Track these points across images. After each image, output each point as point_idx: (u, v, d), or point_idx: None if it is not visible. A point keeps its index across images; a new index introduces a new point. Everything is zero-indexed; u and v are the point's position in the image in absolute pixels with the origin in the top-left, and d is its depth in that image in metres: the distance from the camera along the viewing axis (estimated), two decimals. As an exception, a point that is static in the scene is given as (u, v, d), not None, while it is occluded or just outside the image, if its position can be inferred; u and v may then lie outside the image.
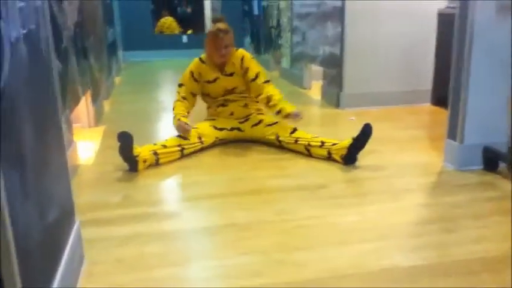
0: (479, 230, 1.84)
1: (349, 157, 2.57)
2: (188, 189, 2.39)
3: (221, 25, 2.89)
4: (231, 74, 2.95)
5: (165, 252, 1.71)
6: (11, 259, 0.96)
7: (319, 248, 1.73)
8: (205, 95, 3.06)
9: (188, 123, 2.80)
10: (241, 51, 2.98)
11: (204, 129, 2.87)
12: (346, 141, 2.58)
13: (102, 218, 2.00)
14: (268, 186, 2.34)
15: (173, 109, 2.92)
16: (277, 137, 2.85)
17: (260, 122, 2.95)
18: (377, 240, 1.78)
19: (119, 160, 2.53)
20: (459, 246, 1.72)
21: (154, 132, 3.56)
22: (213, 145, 2.90)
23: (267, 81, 2.95)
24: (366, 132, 2.53)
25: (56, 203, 1.39)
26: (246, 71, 2.93)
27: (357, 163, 2.59)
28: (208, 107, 3.12)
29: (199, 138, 2.81)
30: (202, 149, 2.84)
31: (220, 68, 2.95)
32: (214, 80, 2.95)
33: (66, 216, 1.52)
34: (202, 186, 2.36)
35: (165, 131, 3.63)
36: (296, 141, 2.77)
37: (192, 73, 2.98)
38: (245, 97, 3.02)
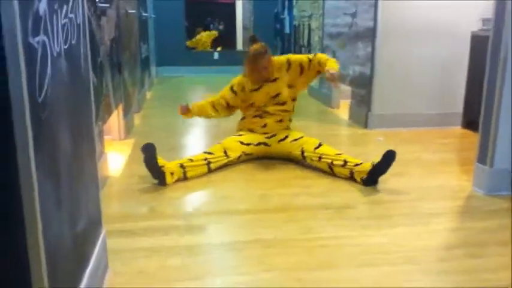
0: (506, 257, 1.80)
1: (369, 180, 2.56)
2: (213, 203, 2.41)
3: (257, 47, 2.96)
4: (275, 80, 3.00)
5: (187, 266, 1.73)
6: (41, 267, 0.99)
7: (342, 269, 1.72)
8: (249, 106, 3.09)
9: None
10: (283, 58, 3.05)
11: (230, 144, 2.91)
12: (368, 164, 2.57)
13: (128, 229, 2.04)
14: (294, 204, 2.34)
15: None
16: (302, 152, 2.86)
17: (286, 137, 2.98)
18: (403, 263, 1.76)
19: (146, 173, 2.58)
20: (486, 273, 1.69)
21: (182, 146, 3.62)
22: (239, 160, 2.93)
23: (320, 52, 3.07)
24: (388, 158, 2.50)
25: (85, 213, 1.43)
26: (301, 65, 3.00)
27: (384, 185, 2.57)
28: (243, 118, 3.15)
29: (225, 152, 2.84)
30: (228, 164, 2.87)
31: (265, 78, 3.01)
32: (260, 88, 3.00)
33: (94, 226, 1.56)
34: (228, 202, 2.38)
35: (194, 145, 3.69)
36: (320, 158, 2.77)
37: (232, 89, 3.06)
38: (282, 112, 3.04)
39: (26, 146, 0.94)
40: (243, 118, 3.16)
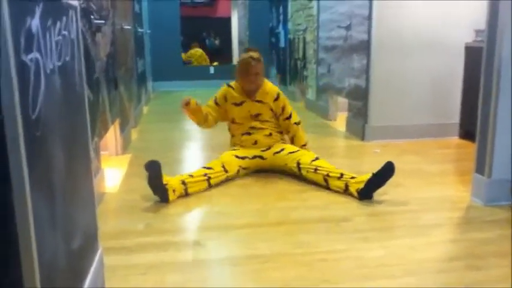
0: (506, 269, 1.78)
1: (366, 192, 2.52)
2: (211, 219, 2.40)
3: (254, 54, 3.00)
4: (259, 101, 3.03)
5: (185, 282, 1.71)
6: (36, 286, 0.98)
7: (342, 283, 1.70)
8: (231, 122, 3.11)
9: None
10: (275, 88, 3.10)
11: (227, 158, 2.90)
12: (366, 175, 2.56)
13: (125, 245, 2.02)
14: (291, 218, 2.33)
15: None
16: (298, 164, 2.85)
17: (282, 150, 2.98)
18: (403, 276, 1.74)
19: (143, 188, 2.56)
20: (488, 285, 1.67)
21: (179, 161, 3.61)
22: (237, 175, 2.92)
23: (297, 123, 3.13)
24: (387, 170, 2.48)
25: (81, 230, 1.42)
26: (283, 108, 3.08)
27: (382, 197, 2.56)
28: (232, 136, 3.16)
29: (223, 167, 2.83)
30: (227, 179, 2.86)
31: (249, 94, 3.03)
32: (241, 103, 3.02)
33: (90, 243, 1.54)
34: (225, 217, 2.36)
35: (191, 160, 3.68)
36: (316, 169, 2.76)
37: (215, 100, 3.11)
38: (268, 126, 3.06)
39: (20, 165, 0.93)
40: (232, 136, 3.17)
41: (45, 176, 1.09)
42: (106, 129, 3.02)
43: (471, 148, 2.80)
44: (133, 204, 2.53)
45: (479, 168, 2.49)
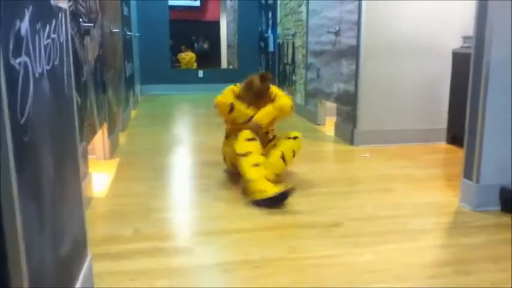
0: (497, 274, 1.80)
1: (257, 202, 2.53)
2: (201, 224, 2.38)
3: (267, 85, 2.93)
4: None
5: (175, 288, 1.69)
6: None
7: (332, 288, 1.70)
8: (231, 122, 3.03)
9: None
10: (275, 88, 3.04)
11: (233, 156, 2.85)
12: (272, 190, 2.51)
13: (113, 252, 1.99)
14: (282, 223, 2.32)
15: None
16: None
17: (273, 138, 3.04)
18: (393, 281, 1.74)
19: (131, 193, 2.54)
20: (477, 290, 1.68)
21: (168, 165, 3.58)
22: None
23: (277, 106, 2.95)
24: (285, 196, 2.51)
25: (69, 235, 1.39)
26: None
27: (371, 202, 2.57)
28: (227, 137, 3.11)
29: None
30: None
31: (258, 106, 2.92)
32: (249, 120, 2.88)
33: (79, 249, 1.52)
34: (214, 222, 2.35)
35: (180, 164, 3.66)
36: (282, 156, 2.81)
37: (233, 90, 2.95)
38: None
39: (8, 170, 0.91)
40: (227, 137, 3.13)
41: (33, 181, 1.07)
42: (94, 133, 2.99)
43: (458, 153, 2.82)
44: (121, 209, 2.50)
45: (468, 174, 2.51)
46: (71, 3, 2.28)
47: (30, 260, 0.99)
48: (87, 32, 2.78)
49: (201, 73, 8.84)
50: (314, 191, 2.76)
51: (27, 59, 1.01)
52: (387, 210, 2.49)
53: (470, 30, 2.81)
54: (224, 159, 3.14)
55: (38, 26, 1.12)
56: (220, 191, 2.80)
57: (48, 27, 1.20)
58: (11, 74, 0.92)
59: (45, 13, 1.21)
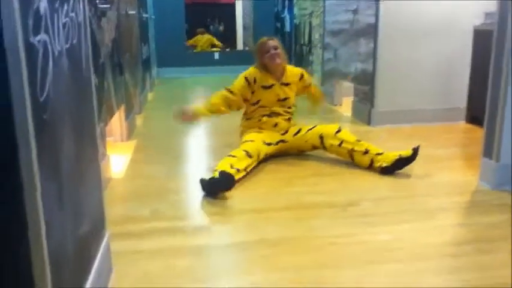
0: (517, 252, 1.78)
1: (389, 170, 2.65)
2: (219, 204, 2.39)
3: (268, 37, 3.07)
4: (287, 84, 3.03)
5: (193, 267, 1.72)
6: (44, 268, 0.98)
7: (351, 267, 1.70)
8: (254, 104, 3.03)
9: (198, 115, 2.91)
10: (299, 69, 3.18)
11: (260, 146, 2.81)
12: (391, 154, 2.65)
13: (132, 231, 2.02)
14: (298, 203, 2.32)
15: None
16: (321, 137, 2.87)
17: (299, 130, 3.00)
18: (410, 260, 1.74)
19: (149, 174, 2.56)
20: (497, 269, 1.66)
21: (184, 147, 3.60)
22: (259, 159, 2.81)
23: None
24: (415, 154, 2.62)
25: (88, 215, 1.42)
26: (307, 86, 3.19)
27: (389, 181, 2.56)
28: (248, 119, 3.08)
29: (249, 155, 2.69)
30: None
31: (278, 77, 3.01)
32: (270, 87, 2.98)
33: (97, 228, 1.55)
34: (232, 202, 2.36)
35: (197, 147, 3.68)
36: (340, 143, 2.79)
37: (246, 78, 2.98)
38: (289, 113, 3.08)
39: (29, 147, 0.92)
40: (248, 118, 3.11)
41: (53, 159, 1.08)
42: (111, 115, 3.01)
43: (478, 133, 2.78)
44: (139, 190, 2.53)
45: (487, 152, 2.47)
46: (87, -16, 2.27)
47: (50, 236, 1.00)
48: (103, 13, 2.79)
49: (216, 55, 8.81)
50: (330, 171, 2.75)
51: (46, 37, 1.02)
52: (404, 190, 2.47)
53: (492, 6, 2.73)
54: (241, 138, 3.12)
55: (57, 4, 1.12)
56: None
57: (66, 5, 1.20)
58: (30, 51, 0.93)
59: (63, -8, 1.21)
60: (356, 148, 2.75)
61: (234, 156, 2.62)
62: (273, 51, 2.94)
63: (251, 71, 3.02)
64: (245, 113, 3.13)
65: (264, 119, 3.01)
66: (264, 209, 2.25)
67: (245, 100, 3.02)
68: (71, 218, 1.21)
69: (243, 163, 2.60)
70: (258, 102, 3.02)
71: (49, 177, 1.04)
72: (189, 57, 8.61)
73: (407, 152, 2.64)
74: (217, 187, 2.37)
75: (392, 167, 2.64)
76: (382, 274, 1.64)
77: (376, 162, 2.68)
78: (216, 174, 2.39)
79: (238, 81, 2.99)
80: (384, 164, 2.65)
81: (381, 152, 2.70)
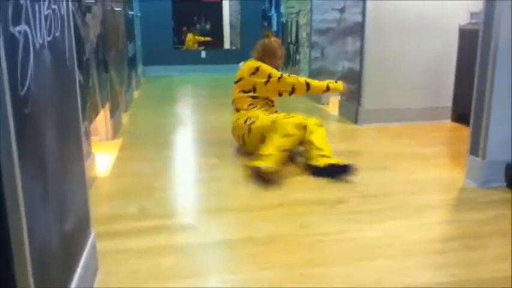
0: (504, 248, 1.78)
1: (316, 171, 2.62)
2: (206, 201, 2.36)
3: (276, 40, 3.21)
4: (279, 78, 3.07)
5: (180, 265, 1.69)
6: (26, 269, 0.95)
7: (340, 264, 1.69)
8: (248, 92, 3.07)
9: None
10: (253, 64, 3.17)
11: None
12: (331, 159, 2.61)
13: (118, 230, 1.99)
14: (288, 200, 2.31)
15: (310, 83, 3.10)
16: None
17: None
18: (399, 256, 1.74)
19: (135, 172, 2.53)
20: (485, 264, 1.67)
21: (171, 145, 3.56)
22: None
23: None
24: (344, 170, 2.55)
25: (73, 213, 1.38)
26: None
27: (377, 179, 2.55)
28: (238, 110, 3.10)
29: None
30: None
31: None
32: (268, 81, 3.03)
33: (82, 226, 1.51)
34: (219, 199, 2.34)
35: (183, 144, 3.64)
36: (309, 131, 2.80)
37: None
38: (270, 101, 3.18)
39: (9, 142, 0.89)
40: (238, 110, 3.11)
41: (35, 155, 1.05)
42: (96, 113, 2.97)
43: (464, 131, 2.79)
44: (125, 188, 2.49)
45: (474, 150, 2.48)
46: (71, -21, 2.23)
47: (33, 234, 0.97)
48: (88, 8, 2.74)
49: (203, 54, 8.76)
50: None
51: (27, 28, 0.99)
52: (392, 187, 2.47)
53: (478, 6, 2.75)
54: (233, 133, 3.11)
55: (37, -5, 1.09)
56: (225, 170, 2.79)
57: (47, -3, 1.17)
58: (10, 42, 0.90)
59: (45, -17, 1.17)
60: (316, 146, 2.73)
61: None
62: (279, 61, 3.19)
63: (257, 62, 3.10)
64: (238, 103, 3.12)
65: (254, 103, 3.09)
66: (251, 207, 2.23)
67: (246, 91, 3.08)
68: (55, 214, 1.18)
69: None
70: (252, 90, 3.07)
71: (31, 174, 1.00)
72: (176, 56, 8.55)
73: (342, 161, 2.61)
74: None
75: (323, 170, 2.59)
76: (371, 271, 1.64)
77: (313, 159, 2.66)
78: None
79: (269, 68, 3.04)
80: (314, 163, 2.64)
81: (328, 155, 2.67)
